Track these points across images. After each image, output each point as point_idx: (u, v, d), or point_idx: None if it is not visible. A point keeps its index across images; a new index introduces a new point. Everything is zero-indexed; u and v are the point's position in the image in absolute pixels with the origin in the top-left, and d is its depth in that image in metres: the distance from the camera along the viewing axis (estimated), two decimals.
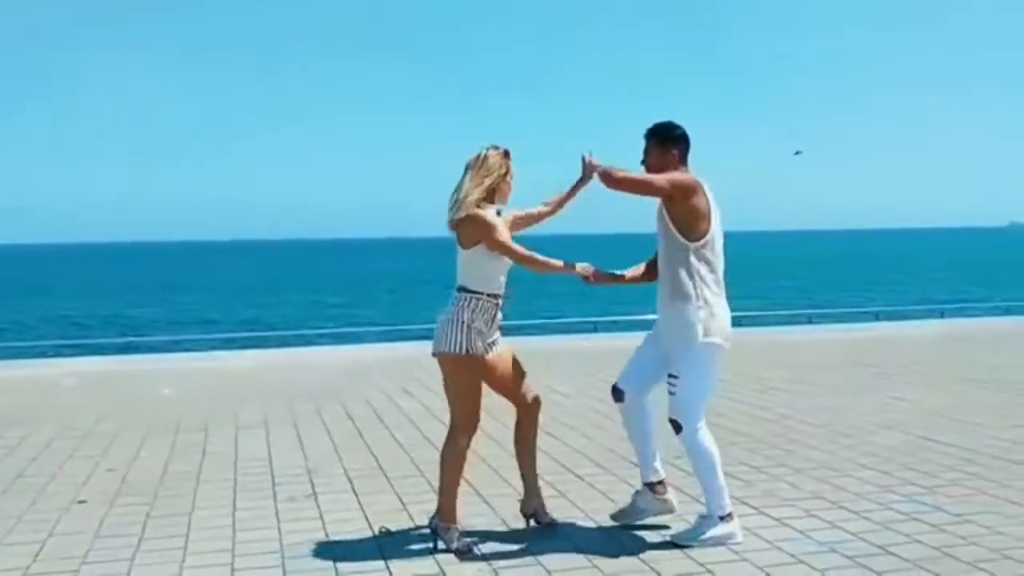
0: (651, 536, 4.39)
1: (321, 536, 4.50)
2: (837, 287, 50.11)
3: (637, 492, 4.60)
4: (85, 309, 42.41)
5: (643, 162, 4.37)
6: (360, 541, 4.41)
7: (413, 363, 10.23)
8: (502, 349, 4.44)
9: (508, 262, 4.32)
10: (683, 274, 4.20)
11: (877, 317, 18.84)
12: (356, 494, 5.23)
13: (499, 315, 4.39)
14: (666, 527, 4.50)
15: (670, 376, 4.30)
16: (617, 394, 4.51)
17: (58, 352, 13.28)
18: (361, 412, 7.60)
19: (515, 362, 4.51)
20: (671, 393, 4.30)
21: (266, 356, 11.52)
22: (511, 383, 4.50)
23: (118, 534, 4.57)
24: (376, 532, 4.52)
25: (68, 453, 6.32)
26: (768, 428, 6.66)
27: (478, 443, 4.72)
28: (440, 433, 6.61)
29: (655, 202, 4.31)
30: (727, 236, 4.34)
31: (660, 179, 4.18)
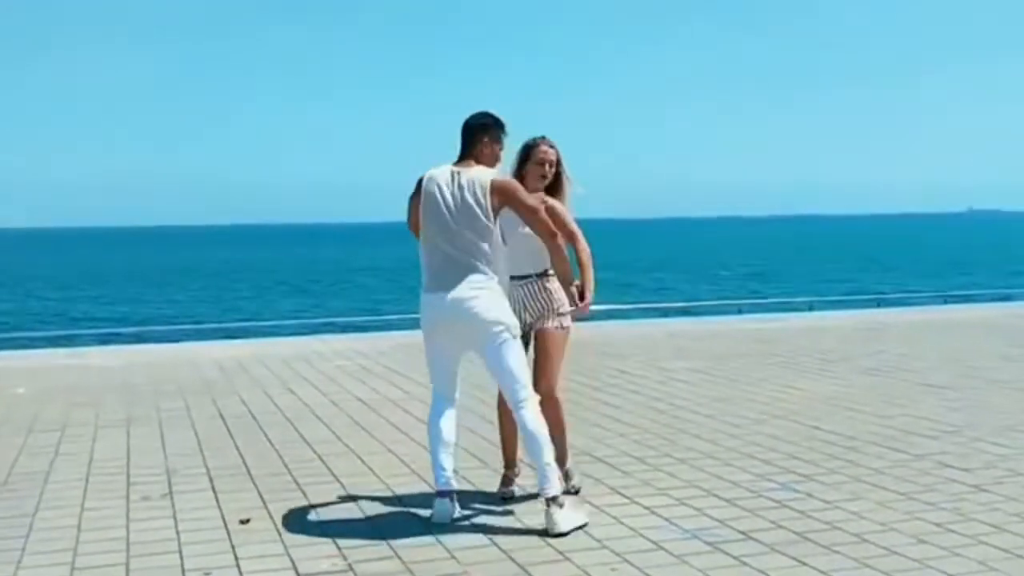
0: (512, 524, 4.72)
1: (172, 535, 4.71)
2: (784, 277, 51.50)
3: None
4: None
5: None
6: (213, 540, 4.62)
7: (298, 359, 10.45)
8: None
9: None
10: None
11: (811, 308, 19.58)
12: (215, 492, 5.45)
13: None
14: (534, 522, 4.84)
15: None
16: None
17: None
18: (233, 411, 7.78)
19: None
20: None
21: (135, 353, 11.56)
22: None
23: None
24: (229, 530, 4.76)
25: None
26: (659, 419, 7.06)
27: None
28: (318, 431, 6.92)
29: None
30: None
31: None
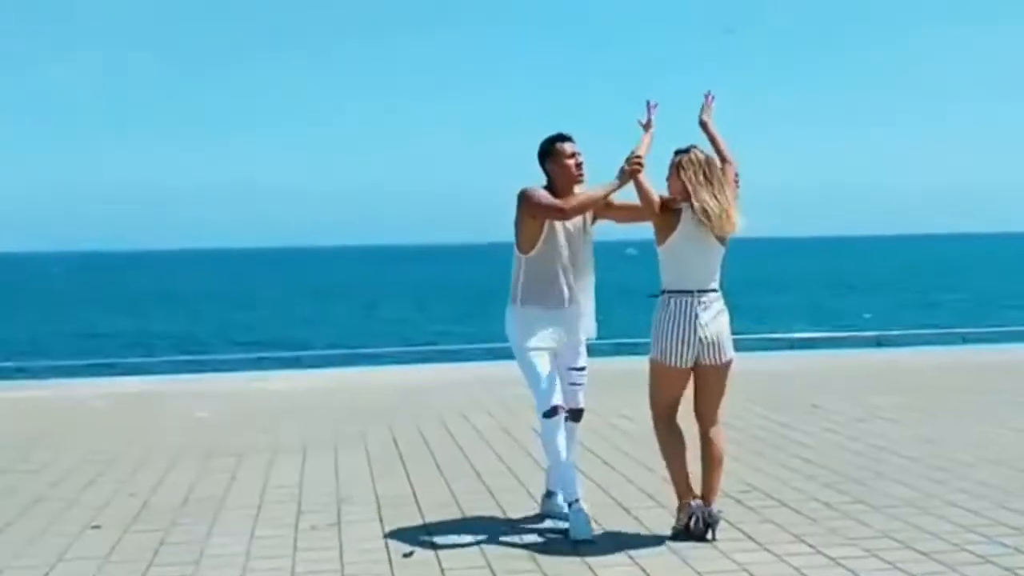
0: (676, 568, 4.71)
1: (336, 566, 4.94)
2: (1014, 300, 48.66)
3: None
4: (120, 323, 44.38)
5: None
6: (376, 573, 4.82)
7: (477, 384, 10.71)
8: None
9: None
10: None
11: None
12: (382, 522, 5.68)
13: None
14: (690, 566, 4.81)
15: (576, 369, 5.46)
16: (558, 411, 5.31)
17: (90, 371, 14.20)
18: (409, 438, 8.06)
19: None
20: (580, 384, 5.48)
21: (315, 377, 12.13)
22: None
23: (127, 559, 5.10)
24: (392, 562, 4.95)
25: (91, 477, 6.94)
26: (856, 461, 6.86)
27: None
28: (490, 461, 7.09)
29: None
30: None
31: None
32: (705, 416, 5.31)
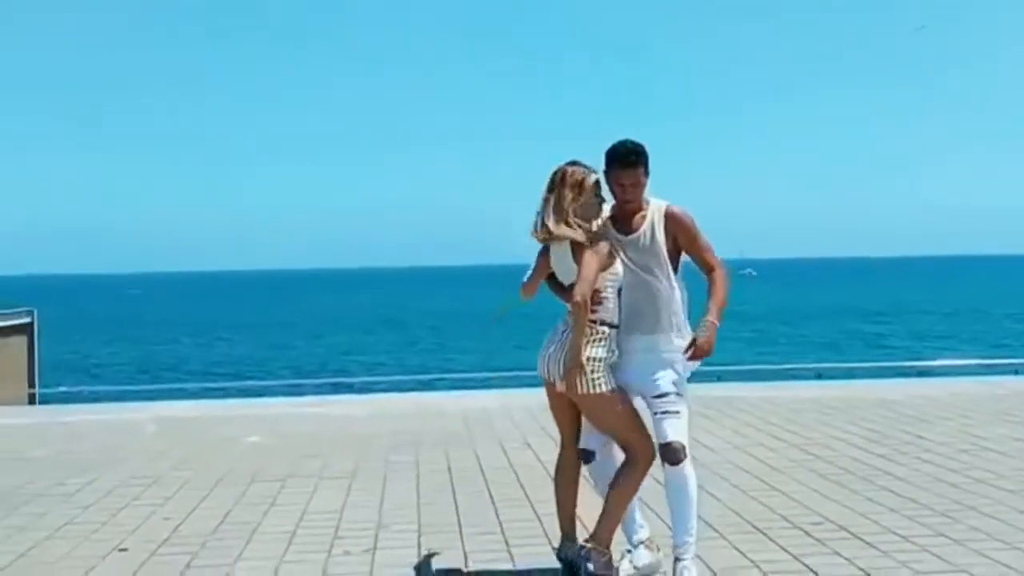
0: None
1: None
2: None
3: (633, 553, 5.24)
4: (185, 348, 45.58)
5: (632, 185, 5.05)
6: None
7: (545, 410, 10.75)
8: None
9: None
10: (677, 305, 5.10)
11: None
12: (420, 549, 5.82)
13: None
14: None
15: (664, 397, 5.04)
16: (586, 456, 5.29)
17: (148, 395, 14.67)
18: (463, 464, 8.19)
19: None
20: (672, 413, 5.01)
21: (377, 402, 12.33)
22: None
23: None
24: None
25: (127, 501, 7.21)
26: (947, 493, 6.77)
27: None
28: (545, 490, 7.14)
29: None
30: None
31: None
32: None
